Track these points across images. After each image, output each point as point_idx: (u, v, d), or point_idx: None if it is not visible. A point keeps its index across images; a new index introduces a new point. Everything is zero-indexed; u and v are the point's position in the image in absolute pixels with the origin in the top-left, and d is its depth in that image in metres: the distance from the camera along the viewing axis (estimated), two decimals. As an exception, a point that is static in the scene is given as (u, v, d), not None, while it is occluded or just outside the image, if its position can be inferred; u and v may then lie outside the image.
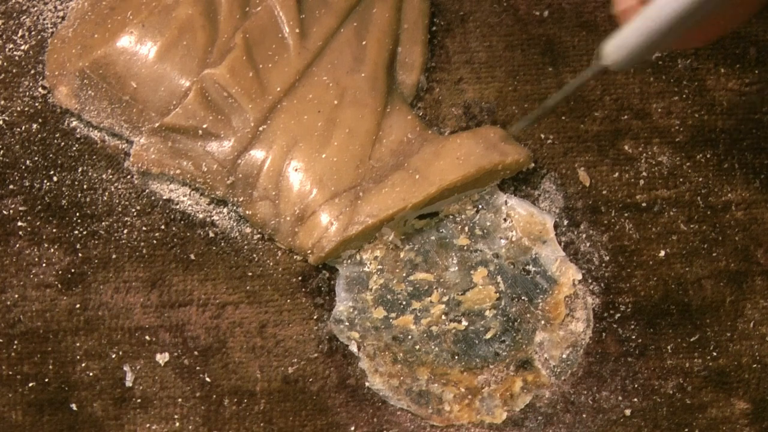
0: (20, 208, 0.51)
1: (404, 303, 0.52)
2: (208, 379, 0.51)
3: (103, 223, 0.51)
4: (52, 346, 0.51)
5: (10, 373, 0.50)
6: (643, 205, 0.54)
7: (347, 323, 0.52)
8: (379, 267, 0.52)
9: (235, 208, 0.52)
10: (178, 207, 0.52)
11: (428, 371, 0.52)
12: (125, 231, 0.51)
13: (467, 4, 0.55)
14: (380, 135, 0.52)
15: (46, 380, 0.50)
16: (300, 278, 0.52)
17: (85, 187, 0.51)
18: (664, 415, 0.53)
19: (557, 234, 0.53)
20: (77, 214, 0.51)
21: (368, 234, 0.51)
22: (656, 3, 0.42)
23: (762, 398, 0.54)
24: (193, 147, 0.50)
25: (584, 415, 0.53)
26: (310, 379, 0.52)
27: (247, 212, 0.51)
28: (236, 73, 0.50)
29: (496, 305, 0.52)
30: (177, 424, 0.51)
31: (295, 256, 0.52)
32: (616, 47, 0.45)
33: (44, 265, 0.51)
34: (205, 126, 0.50)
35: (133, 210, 0.51)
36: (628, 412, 0.53)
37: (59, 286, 0.51)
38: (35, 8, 0.52)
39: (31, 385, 0.50)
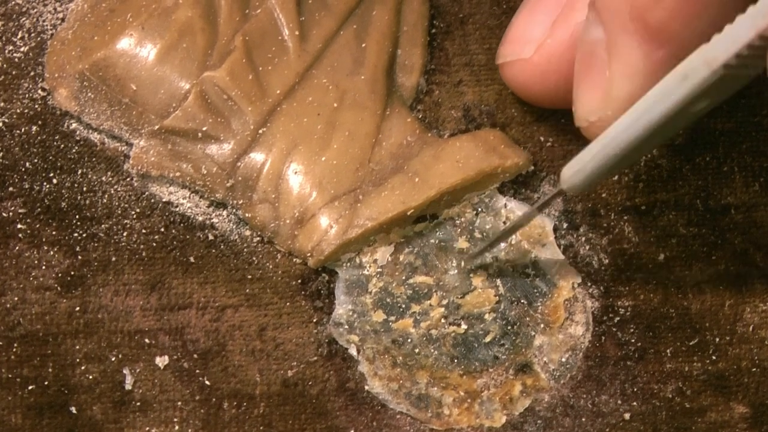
0: (20, 211, 0.51)
1: (404, 306, 0.52)
2: (207, 383, 0.51)
3: (103, 226, 0.51)
4: (51, 349, 0.51)
5: (10, 376, 0.50)
6: (643, 208, 0.54)
7: (347, 326, 0.52)
8: (379, 270, 0.52)
9: (234, 210, 0.52)
10: (177, 209, 0.52)
11: (427, 375, 0.52)
12: (125, 234, 0.51)
13: (467, 7, 0.55)
14: (380, 138, 0.52)
15: (46, 383, 0.50)
16: (299, 281, 0.52)
17: (84, 189, 0.51)
18: (663, 419, 0.53)
19: (556, 237, 0.53)
20: (77, 216, 0.51)
21: (368, 237, 0.51)
22: (614, 127, 0.42)
23: (761, 402, 0.54)
24: (193, 149, 0.50)
25: (583, 419, 0.53)
26: (310, 383, 0.52)
27: (247, 215, 0.51)
28: (236, 76, 0.50)
29: (496, 308, 0.52)
30: (176, 427, 0.51)
31: (294, 259, 0.52)
32: (574, 171, 0.45)
33: (44, 267, 0.51)
34: (204, 129, 0.50)
35: (133, 212, 0.51)
36: (627, 416, 0.53)
37: (59, 288, 0.51)
38: (35, 10, 0.52)
39: (30, 388, 0.50)
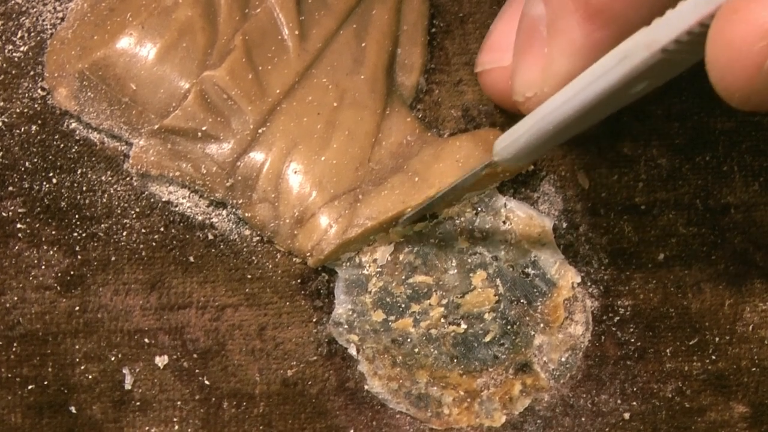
0: (19, 210, 0.51)
1: (403, 306, 0.52)
2: (207, 382, 0.51)
3: (103, 225, 0.51)
4: (51, 349, 0.51)
5: (10, 375, 0.50)
6: (642, 207, 0.54)
7: (346, 326, 0.52)
8: (379, 269, 0.52)
9: (234, 210, 0.52)
10: (177, 209, 0.52)
11: (427, 374, 0.52)
12: (124, 233, 0.51)
13: (467, 6, 0.55)
14: (380, 137, 0.52)
15: (46, 383, 0.50)
16: (299, 281, 0.52)
17: (84, 188, 0.51)
18: (663, 419, 0.53)
19: (556, 236, 0.53)
20: (76, 216, 0.51)
21: (368, 237, 0.51)
22: (550, 103, 0.42)
23: (761, 402, 0.54)
24: (193, 149, 0.50)
25: (583, 419, 0.53)
26: (310, 382, 0.52)
27: (247, 214, 0.51)
28: (236, 75, 0.50)
29: (495, 308, 0.52)
30: (176, 427, 0.51)
31: (294, 259, 0.52)
32: (506, 143, 0.45)
33: (43, 267, 0.51)
34: (204, 128, 0.50)
35: (133, 212, 0.51)
36: (627, 415, 0.53)
37: (58, 288, 0.51)
38: (34, 9, 0.52)
39: (30, 387, 0.50)
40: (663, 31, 0.37)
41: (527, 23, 0.45)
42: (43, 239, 0.51)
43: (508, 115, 0.54)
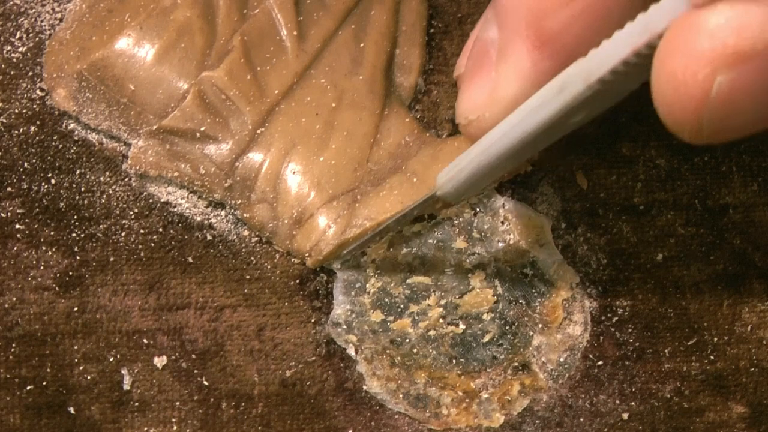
0: (18, 211, 0.51)
1: (402, 306, 0.52)
2: (205, 383, 0.51)
3: (101, 226, 0.51)
4: (50, 349, 0.51)
5: (8, 376, 0.50)
6: (641, 208, 0.54)
7: (345, 326, 0.52)
8: (377, 270, 0.52)
9: (232, 210, 0.52)
10: (175, 210, 0.52)
11: (426, 375, 0.52)
12: (123, 234, 0.51)
13: (465, 7, 0.55)
14: (378, 138, 0.52)
15: (44, 383, 0.50)
16: (298, 281, 0.52)
17: (83, 189, 0.51)
18: (661, 419, 0.53)
19: (555, 237, 0.53)
20: (75, 216, 0.51)
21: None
22: (489, 136, 0.42)
23: (759, 402, 0.54)
24: (191, 150, 0.50)
25: (582, 419, 0.53)
26: (308, 383, 0.52)
27: (245, 215, 0.51)
28: (234, 76, 0.50)
29: (494, 308, 0.52)
30: (175, 427, 0.51)
31: (292, 259, 0.52)
32: (448, 177, 0.44)
33: (42, 267, 0.51)
34: (203, 129, 0.50)
35: (131, 213, 0.51)
36: (625, 416, 0.53)
37: (57, 289, 0.51)
38: (33, 10, 0.52)
39: (29, 388, 0.50)
40: (599, 61, 0.37)
41: (479, 46, 0.45)
42: (42, 240, 0.51)
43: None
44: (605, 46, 0.37)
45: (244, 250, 0.52)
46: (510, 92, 0.43)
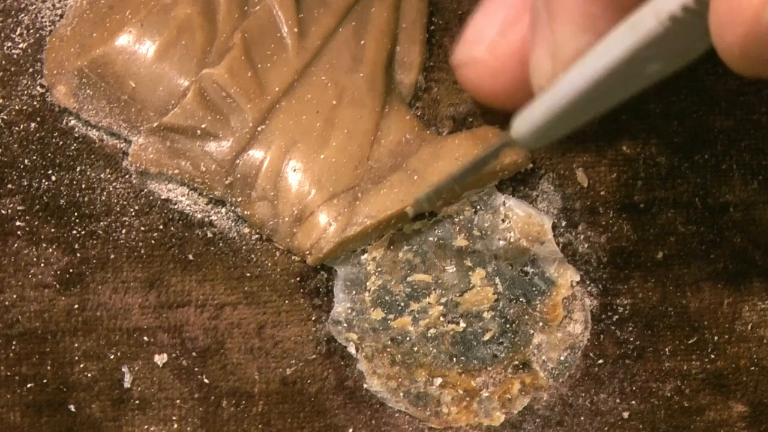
0: (18, 208, 0.51)
1: (402, 304, 0.52)
2: (206, 381, 0.51)
3: (102, 223, 0.51)
4: (50, 347, 0.51)
5: (9, 374, 0.50)
6: (641, 206, 0.54)
7: (345, 324, 0.52)
8: (378, 268, 0.52)
9: (233, 208, 0.52)
10: (176, 207, 0.52)
11: (426, 373, 0.52)
12: (123, 231, 0.51)
13: (465, 4, 0.55)
14: (378, 135, 0.52)
15: (45, 381, 0.50)
16: (298, 279, 0.52)
17: (83, 186, 0.51)
18: (662, 418, 0.53)
19: (555, 235, 0.53)
20: (75, 213, 0.51)
21: (367, 235, 0.51)
22: (564, 78, 0.42)
23: (760, 401, 0.54)
24: (192, 147, 0.50)
25: (582, 418, 0.53)
26: (309, 381, 0.52)
27: (246, 212, 0.51)
28: (235, 73, 0.50)
29: (494, 307, 0.52)
30: (175, 425, 0.51)
31: (293, 257, 0.52)
32: (524, 121, 0.44)
33: (42, 265, 0.51)
34: (203, 126, 0.50)
35: (132, 210, 0.51)
36: (626, 414, 0.53)
37: (57, 286, 0.51)
38: (33, 6, 0.52)
39: (29, 386, 0.50)
40: None
41: (532, 12, 0.45)
42: (42, 237, 0.51)
43: (505, 114, 0.54)
44: None
45: (244, 247, 0.52)
46: (569, 46, 0.43)
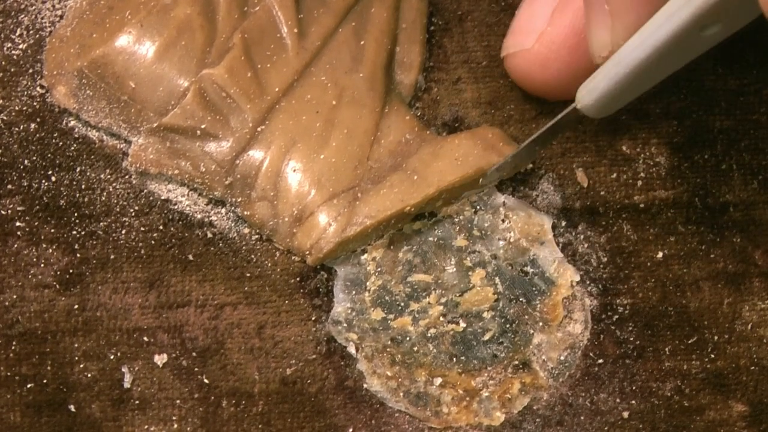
0: (18, 208, 0.51)
1: (402, 304, 0.52)
2: (206, 381, 0.51)
3: (102, 224, 0.51)
4: (50, 347, 0.51)
5: (9, 374, 0.50)
6: (641, 206, 0.54)
7: (345, 324, 0.52)
8: (378, 268, 0.52)
9: (233, 208, 0.52)
10: (176, 207, 0.52)
11: (426, 373, 0.52)
12: (123, 231, 0.51)
13: (465, 4, 0.55)
14: (378, 135, 0.52)
15: (45, 381, 0.50)
16: (298, 279, 0.52)
17: (83, 187, 0.51)
18: (662, 418, 0.53)
19: (555, 235, 0.53)
20: (75, 214, 0.51)
21: (367, 235, 0.51)
22: (625, 47, 0.42)
23: (760, 401, 0.54)
24: (192, 147, 0.50)
25: (582, 417, 0.53)
26: (309, 381, 0.52)
27: (246, 213, 0.51)
28: (234, 73, 0.50)
29: (494, 307, 0.52)
30: (175, 425, 0.51)
31: (293, 257, 0.52)
32: (588, 90, 0.45)
33: (42, 265, 0.51)
34: (203, 126, 0.50)
35: (132, 210, 0.51)
36: (626, 414, 0.53)
37: (57, 286, 0.51)
38: (33, 7, 0.52)
39: (29, 386, 0.50)
40: None
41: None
42: (42, 237, 0.51)
43: (506, 113, 0.54)
44: None
45: (244, 247, 0.52)
46: (627, 18, 0.43)
